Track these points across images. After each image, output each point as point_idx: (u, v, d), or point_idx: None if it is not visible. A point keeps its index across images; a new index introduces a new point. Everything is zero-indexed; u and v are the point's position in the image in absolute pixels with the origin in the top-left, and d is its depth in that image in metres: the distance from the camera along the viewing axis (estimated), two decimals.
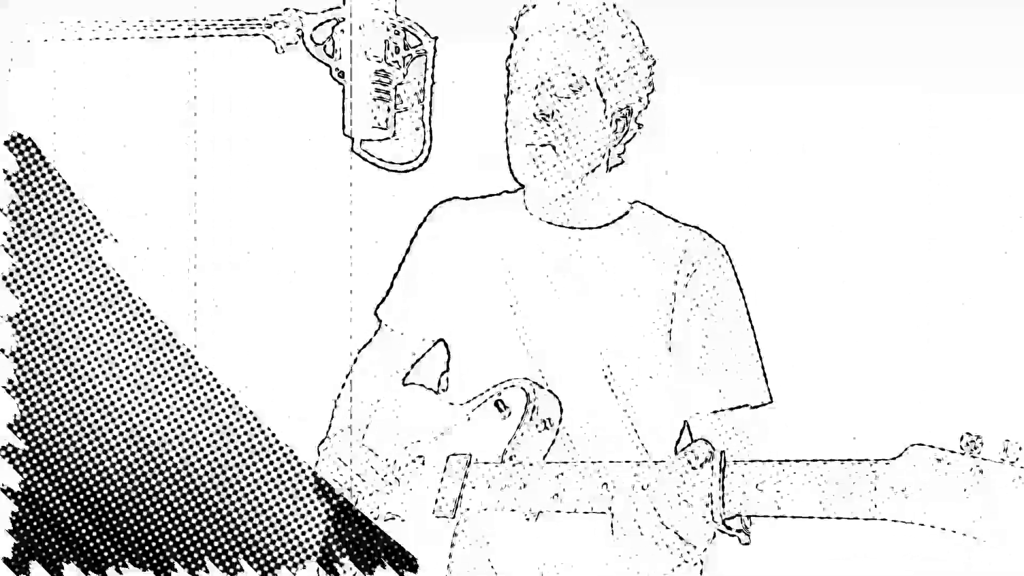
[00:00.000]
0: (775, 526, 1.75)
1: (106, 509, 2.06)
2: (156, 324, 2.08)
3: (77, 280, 2.09)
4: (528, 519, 1.85)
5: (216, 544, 2.05)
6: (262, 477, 2.06)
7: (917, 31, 2.03)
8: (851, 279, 2.03)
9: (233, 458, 2.06)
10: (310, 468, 2.04)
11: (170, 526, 2.05)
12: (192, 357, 2.08)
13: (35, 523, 2.07)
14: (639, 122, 1.96)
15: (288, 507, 2.05)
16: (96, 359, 2.08)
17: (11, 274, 2.09)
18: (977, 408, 1.99)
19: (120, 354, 2.08)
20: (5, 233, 2.09)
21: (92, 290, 2.09)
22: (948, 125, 2.02)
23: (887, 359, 2.02)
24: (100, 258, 2.10)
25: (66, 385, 2.08)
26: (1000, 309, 2.01)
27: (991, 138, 2.02)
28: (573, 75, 1.89)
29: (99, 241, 2.10)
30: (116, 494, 2.06)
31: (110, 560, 2.06)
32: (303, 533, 2.04)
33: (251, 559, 2.04)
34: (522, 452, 1.89)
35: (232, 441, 2.07)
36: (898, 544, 1.95)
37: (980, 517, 1.54)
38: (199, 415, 2.07)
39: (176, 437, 2.07)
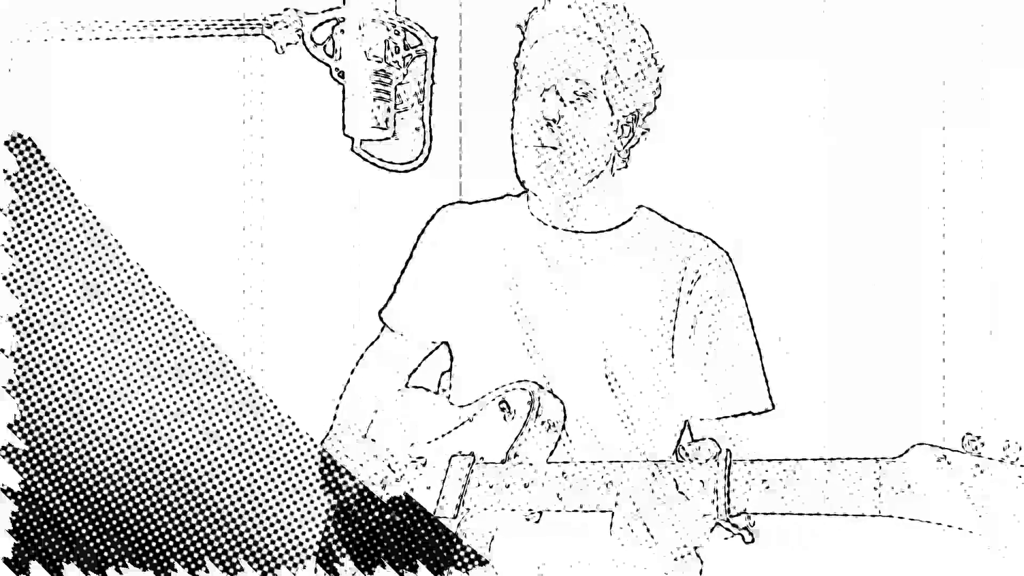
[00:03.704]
0: (775, 523, 1.75)
1: (106, 509, 2.06)
2: (156, 324, 2.08)
3: (77, 280, 2.09)
4: (529, 520, 1.86)
5: (216, 544, 2.05)
6: (262, 477, 2.06)
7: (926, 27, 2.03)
8: (851, 280, 2.03)
9: (233, 458, 2.06)
10: (311, 468, 2.04)
11: (170, 526, 2.05)
12: (193, 357, 2.08)
13: (35, 523, 2.07)
14: (646, 127, 1.95)
15: (288, 507, 2.04)
16: (96, 359, 2.08)
17: (11, 274, 2.09)
18: (978, 408, 1.99)
19: (120, 354, 2.08)
20: (5, 233, 2.09)
21: (92, 290, 2.09)
22: (963, 125, 2.02)
23: (889, 359, 2.02)
24: (100, 258, 2.09)
25: (66, 385, 2.08)
26: (1002, 308, 2.00)
27: (1010, 133, 2.01)
28: (583, 82, 1.88)
29: (99, 241, 2.10)
30: (116, 494, 2.06)
31: (110, 560, 2.05)
32: (303, 533, 2.04)
33: (251, 559, 2.04)
34: (525, 454, 1.89)
35: (232, 441, 2.06)
36: (899, 541, 1.95)
37: (981, 515, 1.56)
38: (199, 415, 2.07)
39: (176, 437, 2.07)
